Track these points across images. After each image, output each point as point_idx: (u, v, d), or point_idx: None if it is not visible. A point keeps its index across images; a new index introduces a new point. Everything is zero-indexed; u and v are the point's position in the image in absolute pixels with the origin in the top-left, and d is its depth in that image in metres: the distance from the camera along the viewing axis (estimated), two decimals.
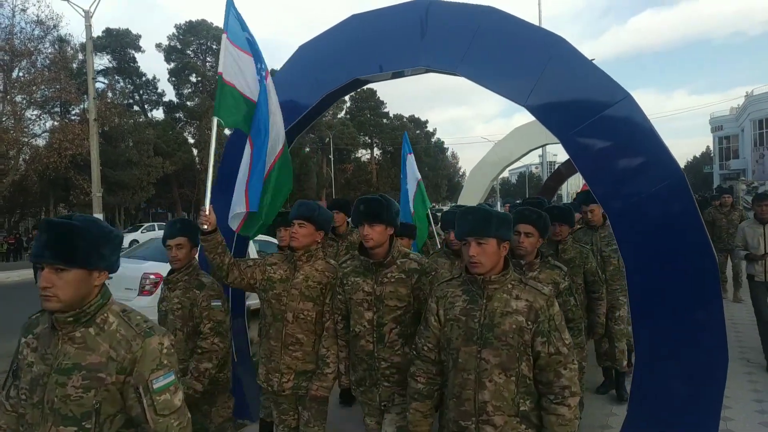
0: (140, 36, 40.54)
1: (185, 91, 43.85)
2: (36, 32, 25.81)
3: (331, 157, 49.03)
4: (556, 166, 15.21)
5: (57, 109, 31.09)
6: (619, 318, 4.61)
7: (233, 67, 3.26)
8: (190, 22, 43.43)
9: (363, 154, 59.07)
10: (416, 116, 62.54)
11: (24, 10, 25.56)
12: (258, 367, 3.07)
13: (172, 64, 43.09)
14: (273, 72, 4.09)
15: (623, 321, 4.61)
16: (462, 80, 3.38)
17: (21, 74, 25.67)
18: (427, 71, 3.71)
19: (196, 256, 3.24)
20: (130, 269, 7.07)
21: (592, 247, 4.57)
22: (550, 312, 2.11)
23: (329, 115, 49.20)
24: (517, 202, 8.97)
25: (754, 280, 5.66)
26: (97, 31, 36.61)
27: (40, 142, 28.15)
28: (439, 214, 6.88)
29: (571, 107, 3.06)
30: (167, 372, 1.66)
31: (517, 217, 2.99)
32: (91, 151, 17.81)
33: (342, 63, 3.81)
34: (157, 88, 43.58)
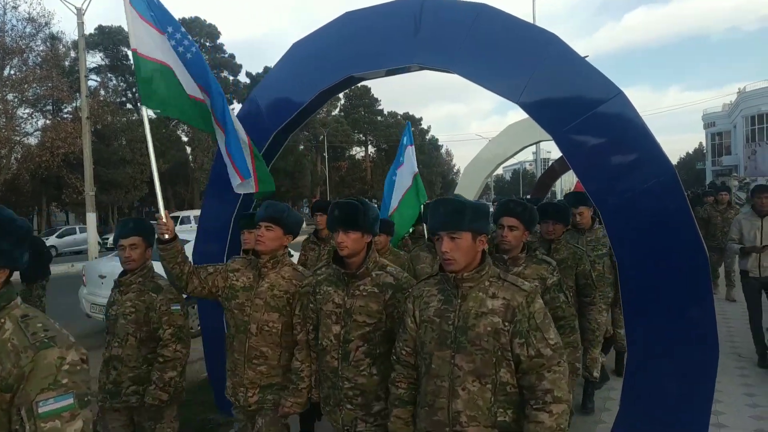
0: None
1: None
2: (27, 30, 25.58)
3: (326, 154, 48.96)
4: (550, 163, 15.26)
5: (49, 108, 30.85)
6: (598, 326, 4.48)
7: (147, 39, 2.95)
8: (184, 19, 43.19)
9: (357, 152, 59.04)
10: (411, 113, 62.55)
11: (15, 8, 25.30)
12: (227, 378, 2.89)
13: None
14: (266, 70, 4.08)
15: (601, 328, 4.44)
16: (457, 77, 3.39)
17: (12, 72, 25.45)
18: (420, 68, 3.72)
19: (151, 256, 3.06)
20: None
21: None
22: (529, 310, 1.92)
23: (323, 112, 49.12)
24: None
25: (748, 276, 5.49)
26: (90, 29, 36.36)
27: (32, 140, 27.94)
28: None
29: (563, 104, 3.07)
30: (63, 394, 1.34)
31: (500, 210, 2.93)
32: (83, 149, 17.71)
33: (336, 60, 3.81)
34: None
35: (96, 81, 36.70)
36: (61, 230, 27.06)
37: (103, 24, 39.27)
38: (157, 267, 3.00)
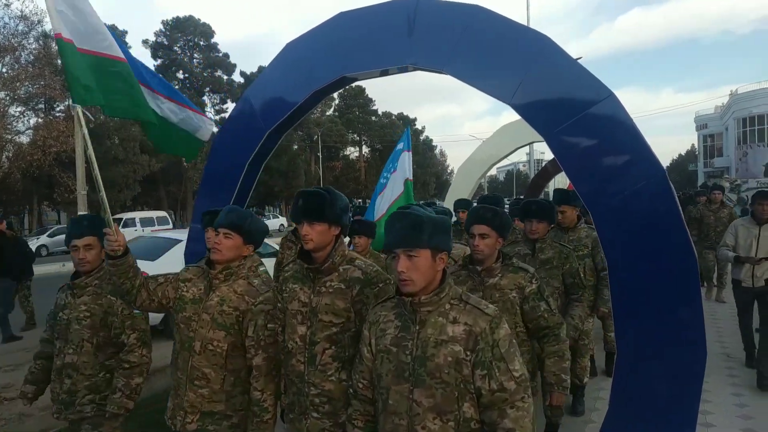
0: (126, 32, 40.10)
1: None
2: (20, 27, 25.42)
3: (320, 154, 48.92)
4: (543, 164, 15.32)
5: (41, 106, 30.64)
6: (584, 333, 4.40)
7: (74, 22, 2.68)
8: (178, 18, 43.05)
9: (352, 152, 59.00)
10: (405, 114, 62.61)
11: (8, 5, 25.11)
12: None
13: (159, 61, 42.73)
14: (261, 69, 4.08)
15: (588, 336, 4.50)
16: (451, 78, 3.40)
17: (4, 70, 25.29)
18: (414, 69, 3.73)
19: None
20: None
21: None
22: (493, 337, 1.74)
23: (317, 112, 49.08)
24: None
25: (741, 286, 5.25)
26: None
27: (24, 139, 27.77)
28: None
29: (555, 105, 3.09)
30: None
31: (470, 218, 2.80)
32: (75, 148, 17.59)
33: (329, 60, 3.81)
34: None
35: None
36: (52, 229, 26.86)
37: None
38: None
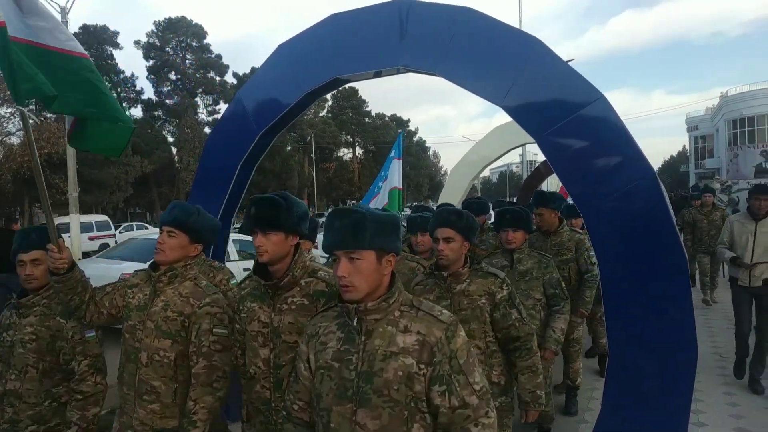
0: (118, 33, 39.99)
1: (164, 89, 43.40)
2: None
3: (313, 155, 48.88)
4: (536, 165, 15.38)
5: (32, 107, 30.47)
6: (575, 340, 4.43)
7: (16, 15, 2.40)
8: (170, 18, 42.94)
9: (345, 153, 59.03)
10: (398, 115, 62.78)
11: None
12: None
13: (151, 62, 42.58)
14: (253, 70, 4.08)
15: (579, 342, 4.51)
16: (444, 80, 3.41)
17: None
18: (407, 71, 3.73)
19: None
20: (107, 270, 7.00)
21: None
22: (450, 347, 1.56)
23: (311, 113, 49.07)
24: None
25: (737, 284, 5.01)
26: (74, 28, 35.94)
27: (15, 140, 27.57)
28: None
29: (546, 108, 3.10)
30: None
31: (433, 221, 2.68)
32: (67, 149, 17.51)
33: (321, 62, 3.81)
34: (135, 86, 43.11)
35: None
36: None
37: (88, 23, 38.92)
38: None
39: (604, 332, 5.00)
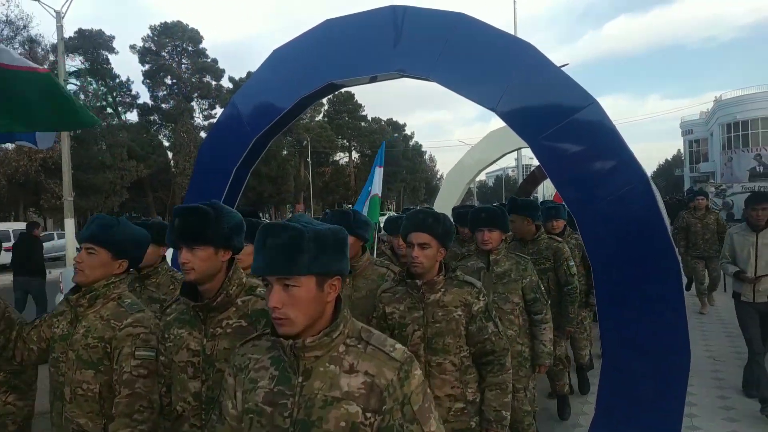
0: (114, 37, 39.91)
1: (160, 94, 43.35)
2: (5, 32, 25.27)
3: (309, 160, 48.87)
4: (531, 170, 15.43)
5: None
6: (558, 358, 4.19)
7: None
8: (165, 23, 42.93)
9: (341, 158, 59.05)
10: (395, 119, 62.86)
11: None
12: None
13: (147, 66, 42.53)
14: (249, 75, 4.09)
15: (563, 361, 4.38)
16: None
17: None
18: (401, 76, 3.76)
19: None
20: None
21: None
22: (403, 391, 1.35)
23: (307, 117, 49.09)
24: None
25: (740, 300, 4.70)
26: (69, 32, 35.94)
27: (9, 145, 27.48)
28: None
29: (539, 113, 3.13)
30: None
31: (408, 225, 2.46)
32: (62, 154, 17.46)
33: (316, 67, 3.83)
34: (131, 90, 42.97)
35: (76, 85, 36.23)
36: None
37: (83, 27, 38.84)
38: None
39: (586, 343, 4.93)
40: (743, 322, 4.69)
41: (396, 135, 61.02)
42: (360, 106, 57.35)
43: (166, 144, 43.10)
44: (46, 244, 25.58)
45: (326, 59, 3.80)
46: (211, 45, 77.52)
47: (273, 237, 1.33)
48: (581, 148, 3.05)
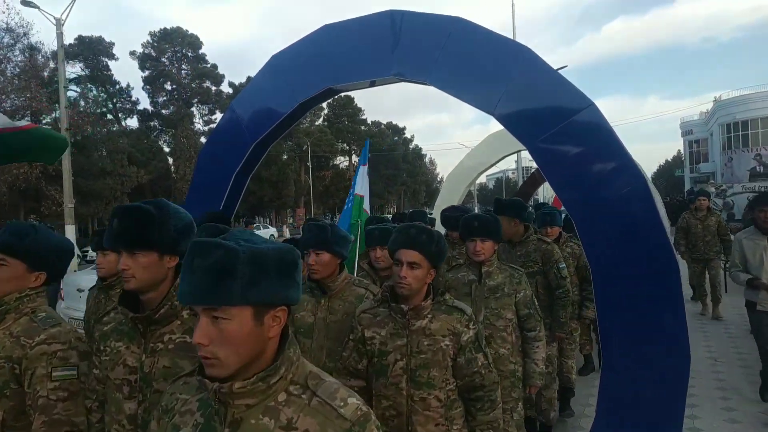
0: (113, 44, 40.07)
1: (160, 99, 43.41)
2: (5, 40, 25.33)
3: (309, 164, 48.92)
4: (531, 172, 15.45)
5: (27, 118, 30.45)
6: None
7: None
8: (165, 29, 43.03)
9: (341, 161, 59.11)
10: (394, 123, 63.04)
11: None
12: None
13: (147, 72, 42.64)
14: (249, 80, 4.10)
15: (552, 363, 4.02)
16: None
17: None
18: (399, 81, 3.77)
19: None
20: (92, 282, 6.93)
21: None
22: None
23: (307, 122, 49.17)
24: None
25: (756, 310, 4.38)
26: (69, 39, 36.04)
27: None
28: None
29: (536, 116, 3.14)
30: None
31: (398, 239, 2.20)
32: (62, 160, 17.50)
33: (315, 72, 3.85)
34: (131, 96, 43.08)
35: (76, 91, 36.32)
36: None
37: (84, 34, 38.98)
38: None
39: (572, 354, 4.62)
40: (761, 333, 4.41)
41: (396, 138, 61.17)
42: (360, 109, 57.47)
43: (167, 150, 43.19)
44: None
45: (325, 64, 3.81)
46: (210, 50, 77.90)
47: (201, 257, 1.07)
48: (579, 150, 3.06)
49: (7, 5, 33.35)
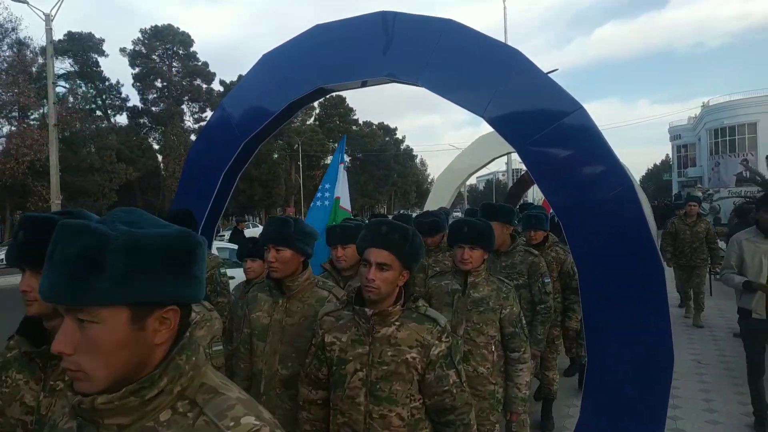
0: (103, 40, 39.72)
1: (150, 97, 43.12)
2: None
3: (300, 163, 48.81)
4: (521, 174, 15.53)
5: (15, 114, 30.10)
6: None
7: None
8: (156, 26, 42.77)
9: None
10: (386, 123, 62.97)
11: None
12: None
13: (137, 69, 42.33)
14: (241, 78, 4.07)
15: (529, 387, 3.57)
16: None
17: None
18: (391, 81, 3.78)
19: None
20: None
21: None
22: None
23: (298, 121, 49.06)
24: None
25: (751, 318, 4.12)
26: (59, 35, 35.70)
27: None
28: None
29: (526, 118, 3.16)
30: None
31: (367, 237, 1.97)
32: (50, 156, 17.33)
33: (306, 72, 3.85)
34: (120, 93, 42.75)
35: (65, 87, 35.98)
36: None
37: (73, 30, 38.61)
38: None
39: (554, 364, 4.46)
40: (751, 344, 4.20)
41: (387, 139, 61.17)
42: (351, 110, 57.44)
43: (156, 147, 42.90)
44: None
45: (316, 64, 3.81)
46: (202, 48, 77.52)
47: (63, 244, 0.87)
48: (567, 153, 3.08)
49: None
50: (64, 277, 0.86)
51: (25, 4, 17.02)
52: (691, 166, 49.26)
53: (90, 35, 39.21)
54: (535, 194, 38.51)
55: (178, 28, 43.15)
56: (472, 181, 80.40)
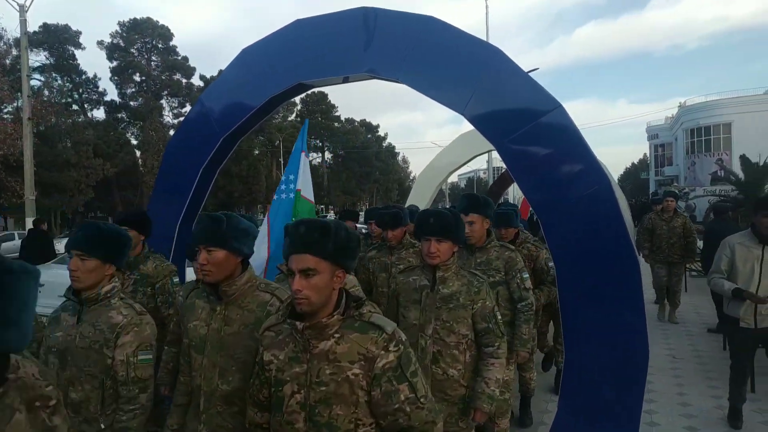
0: (80, 32, 38.91)
1: (128, 91, 42.41)
2: None
3: (281, 160, 48.51)
4: (501, 172, 15.64)
5: None
6: (504, 384, 3.26)
7: None
8: (135, 19, 42.04)
9: (314, 158, 58.77)
10: (368, 120, 62.92)
11: None
12: None
13: (115, 63, 41.60)
14: (221, 73, 4.01)
15: (509, 388, 3.47)
16: None
17: None
18: (371, 77, 3.77)
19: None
20: (65, 276, 6.77)
21: None
22: None
23: (279, 117, 48.78)
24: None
25: (739, 326, 3.98)
26: (34, 26, 34.93)
27: None
28: None
29: (505, 116, 3.18)
30: None
31: (287, 243, 1.70)
32: (24, 151, 16.95)
33: (286, 67, 3.82)
34: (98, 87, 41.96)
35: (40, 80, 35.20)
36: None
37: (49, 22, 37.78)
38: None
39: (532, 365, 4.31)
40: (737, 354, 4.07)
41: (369, 136, 61.17)
42: (333, 106, 57.27)
43: (134, 143, 42.25)
44: (6, 245, 24.89)
45: (296, 59, 3.79)
46: (181, 42, 76.43)
47: None
48: (546, 151, 3.11)
49: None
50: None
51: None
52: (668, 165, 50.16)
53: (66, 27, 38.40)
54: (515, 192, 38.79)
55: (157, 22, 42.51)
56: (454, 178, 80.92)
